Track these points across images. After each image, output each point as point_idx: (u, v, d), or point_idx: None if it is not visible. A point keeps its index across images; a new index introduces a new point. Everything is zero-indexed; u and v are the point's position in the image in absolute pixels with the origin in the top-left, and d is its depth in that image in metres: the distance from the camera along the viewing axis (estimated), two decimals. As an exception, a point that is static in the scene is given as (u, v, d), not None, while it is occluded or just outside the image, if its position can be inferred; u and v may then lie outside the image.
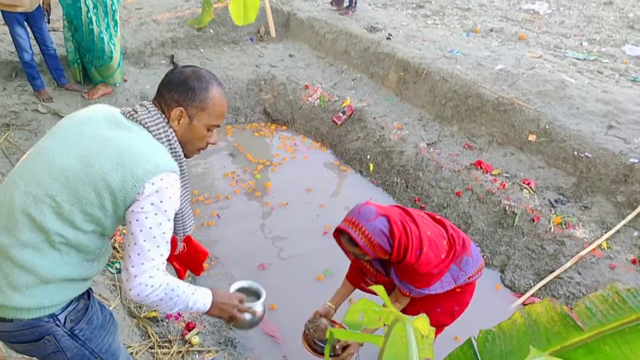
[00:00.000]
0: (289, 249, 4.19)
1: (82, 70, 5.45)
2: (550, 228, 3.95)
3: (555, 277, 3.69)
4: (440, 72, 5.57)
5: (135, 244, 1.52)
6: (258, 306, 1.94)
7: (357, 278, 2.75)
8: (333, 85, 6.27)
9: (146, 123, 1.59)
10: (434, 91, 5.54)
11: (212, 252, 4.10)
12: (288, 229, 4.41)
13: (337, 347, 2.47)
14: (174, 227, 1.71)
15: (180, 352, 2.98)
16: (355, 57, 6.59)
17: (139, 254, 1.52)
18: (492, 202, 4.29)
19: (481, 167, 4.61)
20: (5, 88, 5.29)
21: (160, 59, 6.50)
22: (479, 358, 1.34)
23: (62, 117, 4.89)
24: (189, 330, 3.12)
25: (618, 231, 3.88)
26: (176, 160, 1.64)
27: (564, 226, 3.95)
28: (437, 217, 2.56)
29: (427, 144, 5.06)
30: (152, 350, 2.93)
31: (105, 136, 1.53)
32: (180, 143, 1.67)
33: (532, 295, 3.68)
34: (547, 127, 4.64)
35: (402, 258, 2.28)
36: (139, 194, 1.48)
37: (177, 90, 1.60)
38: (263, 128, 6.07)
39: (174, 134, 1.64)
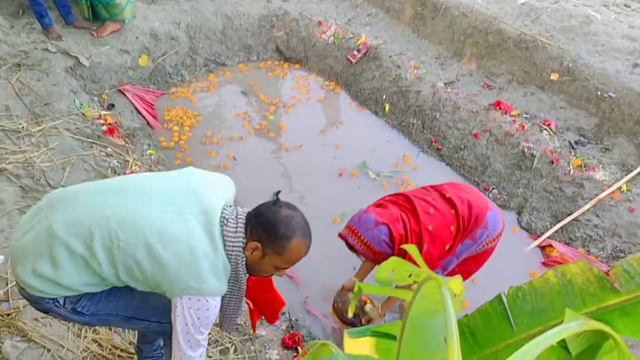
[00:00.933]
0: (305, 192, 4.20)
1: (90, 7, 5.29)
2: (570, 170, 3.91)
3: (573, 219, 3.69)
4: (459, 6, 5.34)
5: (176, 331, 1.66)
6: None
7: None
8: (347, 21, 6.06)
9: (227, 241, 1.65)
10: (452, 27, 5.34)
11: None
12: (304, 171, 4.40)
13: (364, 320, 2.69)
14: (220, 317, 1.88)
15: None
16: (370, -9, 6.32)
17: (178, 341, 1.67)
18: (511, 144, 4.22)
19: (500, 108, 4.51)
20: (13, 26, 5.16)
21: (169, -6, 6.28)
22: (510, 314, 1.35)
23: (72, 56, 4.82)
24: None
25: (639, 173, 3.83)
26: (236, 279, 1.73)
27: (584, 168, 3.90)
28: (447, 195, 2.50)
29: (445, 84, 4.93)
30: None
31: (192, 230, 1.60)
32: (246, 265, 1.74)
33: (548, 238, 3.69)
34: (570, 65, 4.48)
35: (403, 257, 2.27)
36: (180, 299, 1.60)
37: (263, 228, 1.65)
38: (276, 67, 5.93)
39: (244, 259, 1.70)
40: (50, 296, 1.67)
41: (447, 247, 2.45)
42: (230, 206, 1.73)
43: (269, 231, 1.65)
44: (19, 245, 1.67)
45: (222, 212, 1.67)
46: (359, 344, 1.70)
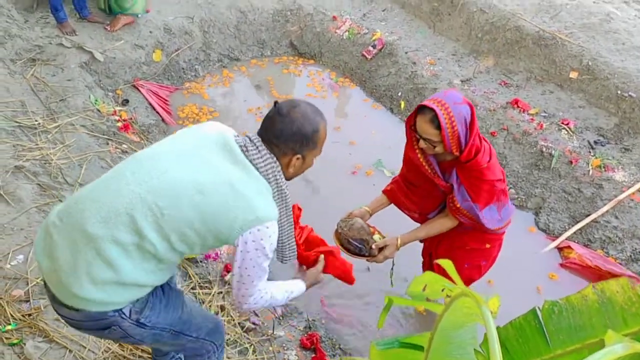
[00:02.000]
0: (319, 189, 4.18)
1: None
2: (589, 171, 3.87)
3: (592, 221, 3.65)
4: (477, 2, 5.28)
5: (238, 273, 1.65)
6: None
7: (399, 190, 2.63)
8: (362, 16, 6.00)
9: (257, 164, 1.61)
10: (469, 23, 5.28)
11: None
12: (318, 168, 4.33)
13: (374, 247, 2.40)
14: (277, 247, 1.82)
15: (221, 292, 3.06)
16: (385, -15, 6.26)
17: (242, 283, 1.67)
18: (529, 143, 4.18)
19: (518, 106, 4.46)
20: (27, 20, 5.16)
21: (182, -13, 6.25)
22: (545, 329, 1.33)
23: (86, 51, 4.81)
24: (228, 272, 3.18)
25: (660, 175, 3.78)
26: (281, 198, 1.71)
27: (603, 169, 3.85)
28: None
29: (461, 81, 4.89)
30: (194, 291, 3.00)
31: (221, 168, 1.56)
32: (286, 176, 1.73)
33: (567, 239, 3.66)
34: (590, 63, 4.42)
35: (473, 157, 2.19)
36: (241, 237, 1.56)
37: (293, 140, 1.63)
38: (291, 63, 5.89)
39: (282, 174, 1.68)
40: (116, 306, 1.59)
41: (501, 176, 2.33)
42: (237, 135, 1.70)
43: (300, 139, 1.63)
44: (56, 269, 1.55)
45: (236, 140, 1.64)
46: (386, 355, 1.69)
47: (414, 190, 2.56)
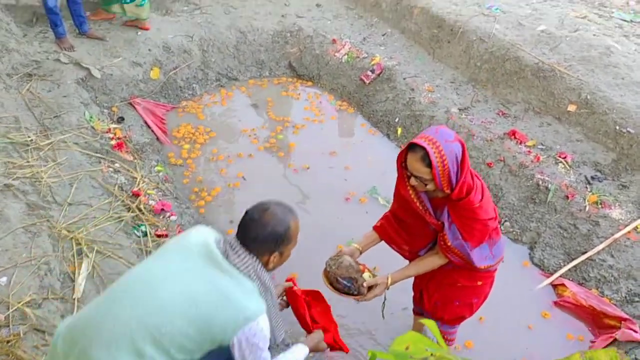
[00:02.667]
0: (312, 215, 4.14)
1: None
2: (585, 207, 3.82)
3: (587, 258, 3.60)
4: (477, 31, 5.28)
5: None
6: None
7: (389, 226, 2.59)
8: (362, 40, 6.01)
9: (239, 267, 1.75)
10: (469, 52, 5.28)
11: (238, 215, 4.06)
12: (312, 193, 4.35)
13: (365, 284, 2.36)
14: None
15: None
16: (386, 10, 6.28)
17: None
18: (525, 176, 4.14)
19: (515, 137, 4.43)
20: (25, 34, 5.15)
21: (183, 5, 6.27)
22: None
23: (84, 67, 4.79)
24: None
25: (656, 213, 3.74)
26: (265, 290, 1.84)
27: (600, 205, 3.81)
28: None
29: (459, 109, 4.86)
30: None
31: (209, 278, 1.70)
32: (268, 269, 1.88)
33: (561, 276, 3.60)
34: (588, 97, 4.41)
35: (464, 196, 2.16)
36: (235, 338, 1.70)
37: (268, 242, 1.79)
38: (289, 85, 5.88)
39: (263, 270, 1.82)
40: None
41: (493, 215, 2.29)
42: (219, 241, 1.82)
43: (274, 239, 1.79)
44: None
45: (217, 247, 1.77)
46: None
47: (405, 226, 2.52)
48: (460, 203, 2.18)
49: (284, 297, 2.40)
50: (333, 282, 2.36)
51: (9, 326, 2.54)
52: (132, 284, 1.73)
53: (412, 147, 2.13)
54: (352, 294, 2.35)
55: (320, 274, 2.44)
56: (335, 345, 2.34)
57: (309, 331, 2.31)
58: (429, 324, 1.34)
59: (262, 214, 1.79)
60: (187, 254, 1.76)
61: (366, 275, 2.40)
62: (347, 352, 2.42)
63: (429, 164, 2.07)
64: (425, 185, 2.17)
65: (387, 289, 2.43)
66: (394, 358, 1.42)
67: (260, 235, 1.78)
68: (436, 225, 2.35)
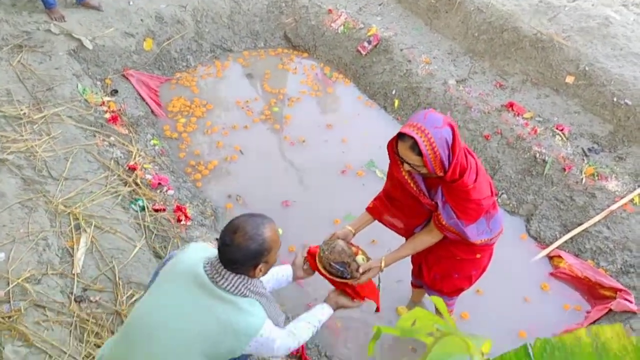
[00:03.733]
0: (309, 188, 4.14)
1: None
2: (582, 179, 3.84)
3: (583, 230, 3.63)
4: (475, 1, 5.20)
5: (261, 352, 1.95)
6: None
7: (383, 207, 2.60)
8: (358, 10, 5.90)
9: (229, 289, 1.82)
10: (466, 22, 5.21)
11: (237, 189, 4.06)
12: (308, 166, 4.33)
13: (361, 269, 2.37)
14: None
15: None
16: (382, -21, 6.15)
17: (267, 352, 1.96)
18: (522, 148, 4.14)
19: (513, 109, 4.41)
20: (14, 4, 5.01)
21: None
22: (536, 367, 1.29)
23: (75, 38, 4.68)
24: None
25: (652, 185, 3.76)
26: (261, 297, 1.90)
27: (596, 177, 3.83)
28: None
29: (457, 81, 4.82)
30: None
31: (205, 308, 1.79)
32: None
33: (557, 248, 3.64)
34: (586, 68, 4.38)
35: (458, 178, 2.16)
36: (246, 351, 1.84)
37: (247, 260, 1.81)
38: (284, 56, 5.79)
39: (254, 282, 1.88)
40: None
41: (489, 193, 2.31)
42: (207, 264, 1.87)
43: (251, 258, 1.82)
44: None
45: (205, 273, 1.83)
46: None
47: (399, 206, 2.52)
48: (454, 185, 2.19)
49: (307, 265, 2.45)
50: (326, 266, 2.35)
51: (9, 302, 2.55)
52: (140, 331, 1.83)
53: (401, 136, 2.12)
54: (345, 278, 2.35)
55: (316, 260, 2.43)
56: (359, 296, 2.39)
57: (339, 288, 2.42)
58: (437, 301, 1.35)
59: (233, 237, 1.81)
60: (181, 284, 1.84)
61: (359, 258, 2.40)
62: (376, 302, 2.51)
63: (419, 153, 2.07)
64: (418, 170, 2.19)
65: (381, 272, 2.46)
66: (400, 332, 1.43)
67: (238, 258, 1.81)
68: (430, 206, 2.37)
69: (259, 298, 1.89)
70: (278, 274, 2.38)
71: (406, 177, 2.33)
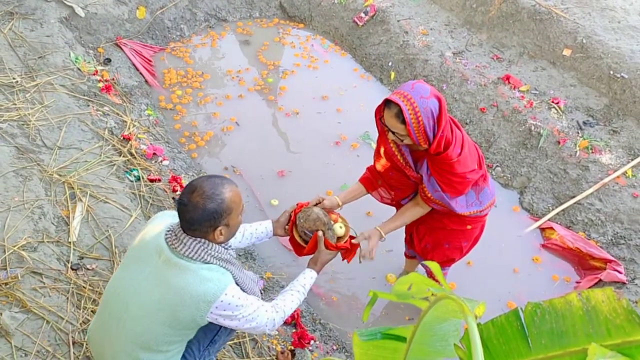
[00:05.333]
0: (305, 158, 4.14)
1: None
2: (576, 152, 3.86)
3: (575, 202, 3.67)
4: (473, -29, 5.13)
5: (239, 328, 1.91)
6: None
7: (374, 180, 2.63)
8: (355, -21, 5.81)
9: (189, 255, 1.78)
10: (464, -7, 5.15)
11: (232, 160, 4.05)
12: (305, 137, 4.32)
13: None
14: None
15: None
16: (380, -52, 6.04)
17: (247, 328, 1.90)
18: (518, 121, 4.14)
19: (509, 82, 4.40)
20: (3, -31, 4.90)
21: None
22: (527, 331, 1.32)
23: (67, 5, 4.60)
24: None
25: (645, 159, 3.79)
26: (226, 263, 1.86)
27: (590, 151, 3.85)
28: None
29: (453, 53, 4.79)
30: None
31: (163, 279, 1.78)
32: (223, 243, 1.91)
33: (549, 220, 3.68)
34: (584, 41, 4.36)
35: (442, 151, 2.19)
36: (209, 317, 1.80)
37: (205, 221, 1.75)
38: (280, 27, 5.71)
39: (215, 247, 1.83)
40: None
41: (475, 166, 2.34)
42: (168, 231, 1.85)
43: (209, 218, 1.76)
44: None
45: (166, 241, 1.81)
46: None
47: (386, 178, 2.55)
48: (438, 157, 2.21)
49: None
50: (301, 235, 2.35)
51: (6, 269, 2.56)
52: (113, 303, 1.88)
53: (388, 103, 2.14)
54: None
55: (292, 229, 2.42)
56: (337, 247, 2.32)
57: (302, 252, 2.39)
58: (433, 266, 1.37)
59: (190, 197, 1.75)
60: (145, 258, 1.84)
61: (337, 225, 2.38)
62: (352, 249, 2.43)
63: (404, 121, 2.08)
64: (402, 140, 2.20)
65: (383, 240, 2.51)
66: (396, 297, 1.46)
67: (195, 218, 1.75)
68: (416, 178, 2.40)
69: (223, 264, 1.84)
70: (258, 230, 2.34)
71: (393, 148, 2.35)
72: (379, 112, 2.24)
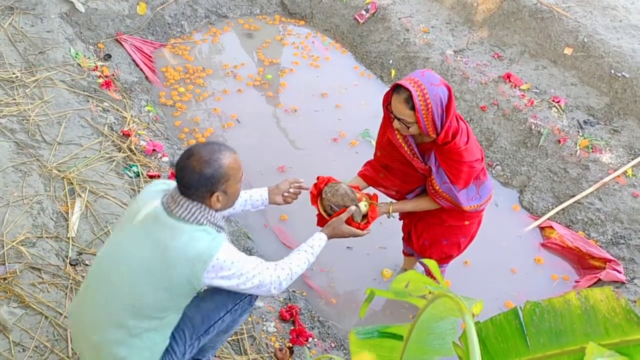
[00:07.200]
0: (306, 155, 4.14)
1: None
2: (576, 151, 3.85)
3: (575, 202, 3.66)
4: (475, -31, 5.12)
5: (239, 289, 1.84)
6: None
7: (375, 174, 2.61)
8: (356, -24, 5.79)
9: (185, 217, 1.75)
10: (466, -9, 5.13)
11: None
12: (304, 134, 4.32)
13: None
14: None
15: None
16: (382, -55, 6.02)
17: (251, 287, 1.84)
18: (518, 120, 4.14)
19: (510, 81, 4.39)
20: (4, -35, 4.89)
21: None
22: (525, 330, 1.32)
23: (67, 1, 4.59)
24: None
25: (646, 158, 3.78)
26: (218, 225, 1.84)
27: (591, 150, 3.84)
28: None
29: (454, 51, 4.78)
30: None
31: (155, 241, 1.74)
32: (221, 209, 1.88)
33: (549, 219, 3.67)
34: (585, 40, 4.35)
35: (450, 140, 2.18)
36: (205, 281, 1.75)
37: (202, 186, 1.74)
38: (280, 24, 5.70)
39: (212, 212, 1.81)
40: None
41: (479, 157, 2.34)
42: (166, 194, 1.83)
43: (206, 183, 1.74)
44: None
45: (162, 204, 1.79)
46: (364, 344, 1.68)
47: (392, 172, 2.54)
48: (446, 147, 2.20)
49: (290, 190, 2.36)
50: (327, 209, 2.31)
51: (4, 264, 2.56)
52: (103, 268, 1.84)
53: (397, 88, 2.11)
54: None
55: (315, 203, 2.40)
56: (358, 226, 2.28)
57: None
58: (430, 263, 1.37)
59: (187, 161, 1.74)
60: (138, 222, 1.80)
61: (362, 204, 2.34)
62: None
63: (413, 107, 2.07)
64: (408, 128, 2.17)
65: (389, 217, 2.52)
66: (393, 295, 1.46)
67: (192, 182, 1.73)
68: (424, 170, 2.38)
69: (217, 229, 1.82)
70: (253, 197, 2.30)
71: (400, 140, 2.33)
72: (387, 99, 2.22)
